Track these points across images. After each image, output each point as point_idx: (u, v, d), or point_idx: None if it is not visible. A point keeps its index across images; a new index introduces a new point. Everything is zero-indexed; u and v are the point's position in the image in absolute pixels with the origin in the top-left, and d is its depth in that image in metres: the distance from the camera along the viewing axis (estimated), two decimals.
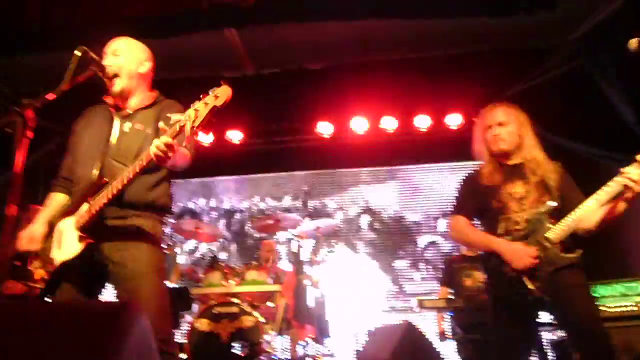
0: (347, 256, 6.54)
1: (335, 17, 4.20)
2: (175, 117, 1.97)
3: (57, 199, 2.39)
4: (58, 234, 2.22)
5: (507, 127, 2.69)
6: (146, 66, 2.46)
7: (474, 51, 4.88)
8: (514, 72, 5.06)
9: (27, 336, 0.88)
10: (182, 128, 1.93)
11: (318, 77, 5.49)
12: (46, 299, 2.19)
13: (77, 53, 2.20)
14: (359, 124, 5.84)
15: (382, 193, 6.87)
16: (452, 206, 2.83)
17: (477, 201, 2.71)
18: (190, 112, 1.92)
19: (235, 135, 6.29)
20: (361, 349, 4.03)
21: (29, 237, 2.24)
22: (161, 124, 2.01)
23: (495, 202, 2.61)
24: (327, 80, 5.46)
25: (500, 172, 2.67)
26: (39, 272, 2.22)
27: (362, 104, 5.50)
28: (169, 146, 1.93)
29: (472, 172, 2.82)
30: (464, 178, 2.86)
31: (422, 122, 5.75)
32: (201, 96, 1.96)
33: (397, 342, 2.91)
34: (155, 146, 1.93)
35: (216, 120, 1.94)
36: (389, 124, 5.77)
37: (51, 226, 2.28)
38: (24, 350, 0.85)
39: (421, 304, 4.66)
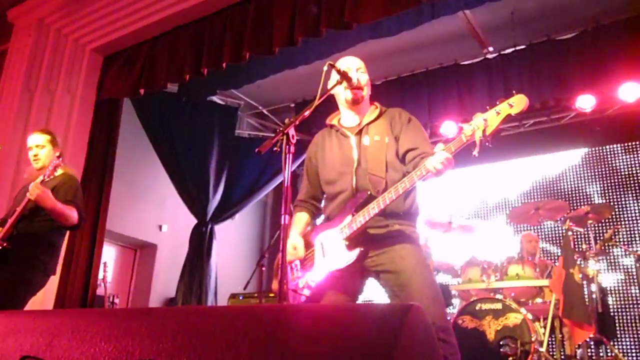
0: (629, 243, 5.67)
1: None
2: (466, 126, 2.04)
3: (302, 217, 2.60)
4: (319, 246, 2.40)
5: None
6: (369, 87, 2.60)
7: None
8: None
9: (322, 335, 0.93)
10: (469, 138, 2.01)
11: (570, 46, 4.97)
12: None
13: (325, 68, 2.35)
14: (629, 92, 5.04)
15: None
16: None
17: None
18: (479, 121, 1.98)
19: None
20: None
21: (293, 248, 2.45)
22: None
23: None
24: (581, 47, 4.90)
25: None
26: (302, 281, 2.40)
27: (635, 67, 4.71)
28: (449, 160, 2.05)
29: None
30: None
31: None
32: (487, 107, 2.01)
33: None
34: (444, 159, 2.04)
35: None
36: None
37: (308, 242, 2.49)
38: (321, 348, 0.90)
39: None
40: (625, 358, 5.15)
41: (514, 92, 1.99)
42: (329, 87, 2.44)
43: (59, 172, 3.46)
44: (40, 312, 1.39)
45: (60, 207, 3.19)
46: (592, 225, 4.68)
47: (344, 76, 2.41)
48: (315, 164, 2.62)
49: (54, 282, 4.33)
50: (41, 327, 1.15)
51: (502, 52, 5.57)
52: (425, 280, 2.20)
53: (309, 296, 2.34)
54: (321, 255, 2.37)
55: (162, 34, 4.89)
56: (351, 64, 2.51)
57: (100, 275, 5.10)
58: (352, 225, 2.27)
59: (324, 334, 0.92)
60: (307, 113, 2.29)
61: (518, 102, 1.95)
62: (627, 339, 5.54)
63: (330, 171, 2.51)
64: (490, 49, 5.64)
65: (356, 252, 2.24)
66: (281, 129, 2.19)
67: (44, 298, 4.25)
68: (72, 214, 3.26)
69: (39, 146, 3.44)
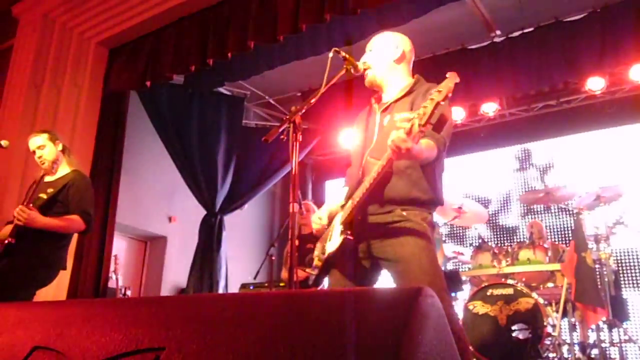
0: None
1: None
2: (407, 115, 1.95)
3: (341, 193, 2.50)
4: (332, 226, 2.37)
5: None
6: (398, 51, 2.44)
7: None
8: None
9: (329, 321, 0.92)
10: (408, 130, 1.89)
11: (579, 27, 4.89)
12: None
13: (330, 55, 2.32)
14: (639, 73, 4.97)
15: None
16: None
17: None
18: (419, 110, 1.88)
19: (490, 108, 6.06)
20: None
21: (318, 218, 2.41)
22: (398, 120, 1.99)
23: None
24: (590, 29, 4.82)
25: None
26: (317, 261, 2.40)
27: None
28: (403, 141, 1.87)
29: None
30: None
31: None
32: (433, 91, 1.92)
33: None
34: (391, 141, 1.91)
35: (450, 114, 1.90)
36: None
37: (332, 217, 2.42)
38: (337, 332, 0.88)
39: None
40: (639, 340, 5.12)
41: (447, 75, 1.92)
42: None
43: (68, 169, 3.48)
44: (51, 303, 1.40)
45: (53, 225, 3.20)
46: (604, 208, 4.64)
47: (350, 62, 2.39)
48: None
49: (65, 276, 4.37)
50: (52, 318, 1.16)
51: (510, 36, 5.50)
52: (422, 269, 2.12)
53: (316, 276, 2.34)
54: (330, 236, 2.34)
55: (167, 25, 4.87)
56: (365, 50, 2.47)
57: (112, 268, 5.13)
58: (346, 211, 2.24)
59: (331, 320, 0.91)
60: (313, 101, 2.28)
61: (444, 85, 1.87)
62: None
63: (355, 151, 2.47)
64: (498, 32, 5.57)
65: (342, 237, 2.20)
66: (287, 117, 2.18)
67: (56, 292, 4.28)
68: (73, 225, 3.26)
69: (40, 147, 3.45)
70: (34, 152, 3.47)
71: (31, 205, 3.17)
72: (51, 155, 3.43)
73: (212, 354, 0.93)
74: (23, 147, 4.72)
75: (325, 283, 2.45)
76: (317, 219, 2.41)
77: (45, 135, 3.49)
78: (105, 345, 1.02)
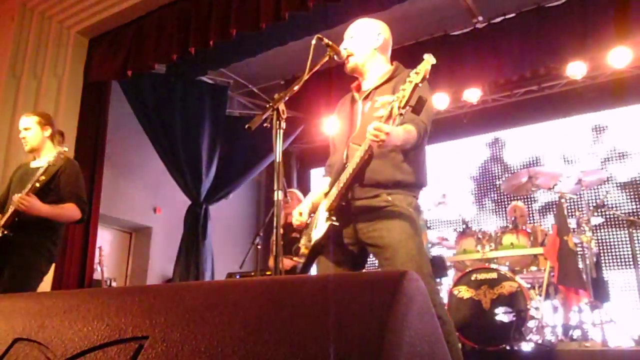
0: (622, 210, 5.72)
1: None
2: (387, 98, 1.95)
3: (323, 183, 2.52)
4: (317, 214, 2.37)
5: None
6: (380, 39, 2.45)
7: None
8: None
9: (312, 306, 0.93)
10: (388, 113, 1.90)
11: (560, 13, 4.92)
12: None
13: (313, 42, 2.31)
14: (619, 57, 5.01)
15: None
16: None
17: None
18: (399, 93, 1.89)
19: (472, 94, 6.07)
20: None
21: (298, 214, 2.42)
22: (378, 102, 2.00)
23: None
24: (571, 14, 4.85)
25: None
26: (304, 249, 2.41)
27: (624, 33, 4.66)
28: (380, 130, 1.89)
29: None
30: None
31: None
32: (411, 73, 1.92)
33: None
34: (368, 131, 1.92)
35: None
36: None
37: (315, 207, 2.43)
38: (320, 317, 0.89)
39: None
40: (620, 320, 5.22)
41: (424, 56, 1.92)
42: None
43: (54, 153, 3.40)
44: (32, 294, 1.39)
45: (52, 212, 3.15)
46: (585, 192, 4.71)
47: (333, 49, 2.38)
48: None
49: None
50: (33, 309, 1.15)
51: (492, 22, 5.51)
52: (409, 255, 2.13)
53: (303, 264, 2.34)
54: (315, 224, 2.35)
55: (148, 13, 4.80)
56: (345, 33, 2.46)
57: (96, 260, 5.10)
58: (330, 197, 2.25)
59: (314, 305, 0.92)
60: (296, 88, 2.26)
61: (421, 67, 1.88)
62: (621, 302, 5.61)
63: (338, 138, 2.47)
64: (480, 18, 5.58)
65: (328, 224, 2.20)
66: (271, 104, 2.17)
67: (40, 285, 4.24)
68: (69, 213, 3.20)
69: (26, 129, 3.37)
70: (19, 132, 3.40)
71: (30, 193, 3.11)
72: (34, 140, 3.35)
73: (196, 341, 0.92)
74: (4, 139, 4.66)
75: (314, 271, 2.47)
76: (297, 214, 2.42)
77: (34, 118, 3.40)
78: (87, 335, 1.01)
